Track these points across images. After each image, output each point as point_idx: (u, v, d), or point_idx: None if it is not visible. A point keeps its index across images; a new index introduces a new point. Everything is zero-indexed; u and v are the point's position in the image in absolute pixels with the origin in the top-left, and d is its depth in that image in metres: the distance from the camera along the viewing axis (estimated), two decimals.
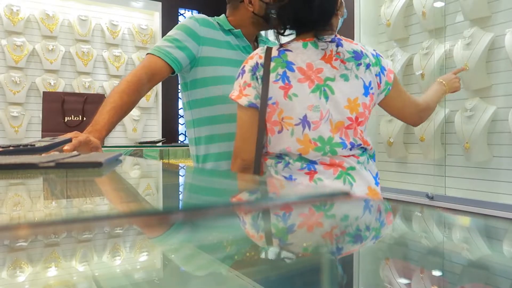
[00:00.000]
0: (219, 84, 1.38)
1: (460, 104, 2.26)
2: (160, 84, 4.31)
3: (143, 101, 4.31)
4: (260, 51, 1.20)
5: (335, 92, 1.14)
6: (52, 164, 0.58)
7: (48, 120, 2.88)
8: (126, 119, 4.17)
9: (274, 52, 1.17)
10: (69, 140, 0.97)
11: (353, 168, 1.15)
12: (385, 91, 1.23)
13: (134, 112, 4.26)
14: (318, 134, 1.13)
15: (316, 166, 1.14)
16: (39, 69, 3.91)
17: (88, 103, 2.98)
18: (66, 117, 2.93)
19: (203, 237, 0.35)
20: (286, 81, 1.14)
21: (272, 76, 1.15)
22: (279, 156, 1.17)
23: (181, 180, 0.70)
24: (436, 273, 0.33)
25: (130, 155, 3.11)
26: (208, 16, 1.45)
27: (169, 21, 4.30)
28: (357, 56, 1.17)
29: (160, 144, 3.72)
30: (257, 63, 1.18)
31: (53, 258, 0.34)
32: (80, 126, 2.82)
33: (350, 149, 1.16)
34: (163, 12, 4.40)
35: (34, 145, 0.82)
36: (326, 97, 1.13)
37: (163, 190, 0.56)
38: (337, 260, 0.35)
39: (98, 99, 2.88)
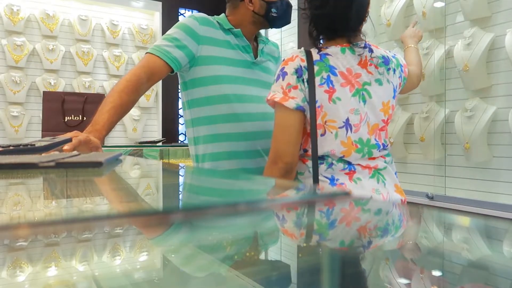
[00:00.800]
0: (219, 84, 1.37)
1: (460, 104, 2.25)
2: (160, 84, 4.31)
3: (143, 101, 4.31)
4: (300, 54, 1.21)
5: (372, 96, 1.21)
6: (52, 163, 0.58)
7: (48, 120, 2.88)
8: (126, 119, 4.17)
9: (316, 56, 1.20)
10: (69, 140, 0.97)
11: (384, 168, 1.23)
12: (402, 85, 1.33)
13: (134, 112, 4.26)
14: (358, 136, 1.19)
15: (355, 166, 1.19)
16: (39, 69, 3.91)
17: (88, 103, 2.98)
18: (66, 117, 2.93)
19: (203, 237, 0.35)
20: (331, 85, 1.18)
21: (317, 80, 1.17)
22: (321, 157, 1.20)
23: (181, 180, 0.70)
24: (436, 273, 0.33)
25: (130, 154, 3.11)
26: (208, 15, 1.45)
27: (169, 21, 4.30)
28: (386, 61, 1.25)
29: (160, 144, 3.72)
30: (300, 66, 1.18)
31: (53, 258, 0.34)
32: (80, 126, 2.82)
33: (381, 150, 1.23)
34: (163, 12, 4.40)
35: (34, 144, 0.82)
36: (364, 101, 1.20)
37: (163, 190, 0.56)
38: (339, 260, 0.35)
39: (98, 99, 2.87)
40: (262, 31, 1.56)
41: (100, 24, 4.18)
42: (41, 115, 3.12)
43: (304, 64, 1.18)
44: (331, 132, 1.18)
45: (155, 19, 4.44)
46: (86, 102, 2.99)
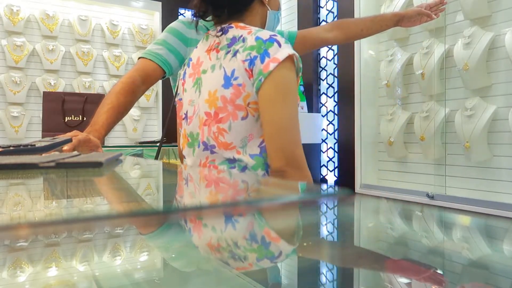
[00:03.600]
0: None
1: (460, 104, 2.25)
2: (160, 84, 4.31)
3: (143, 101, 4.31)
4: None
5: (203, 85, 1.04)
6: (52, 164, 0.58)
7: (48, 120, 2.88)
8: (127, 119, 4.17)
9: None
10: (69, 140, 0.97)
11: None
12: (256, 82, 0.95)
13: (134, 112, 4.26)
14: (190, 129, 1.08)
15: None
16: (39, 69, 3.91)
17: (88, 103, 2.98)
18: (66, 117, 2.93)
19: (202, 237, 0.35)
20: (184, 78, 1.15)
21: (181, 74, 1.18)
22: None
23: (181, 180, 0.70)
24: (436, 272, 0.33)
25: (134, 155, 3.11)
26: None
27: (169, 21, 4.28)
28: (231, 42, 1.00)
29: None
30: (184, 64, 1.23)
31: (53, 258, 0.34)
32: (80, 126, 2.82)
33: (205, 150, 1.02)
34: (163, 12, 4.40)
35: (34, 145, 0.82)
36: (199, 91, 1.05)
37: (163, 190, 0.56)
38: (336, 260, 0.35)
39: (98, 99, 2.87)
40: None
41: (100, 24, 4.18)
42: (41, 116, 3.12)
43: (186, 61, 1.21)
44: (181, 125, 1.16)
45: (155, 19, 4.44)
46: (86, 102, 2.99)
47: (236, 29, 1.03)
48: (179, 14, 4.62)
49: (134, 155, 3.06)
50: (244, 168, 0.98)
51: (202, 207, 0.36)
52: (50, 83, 3.88)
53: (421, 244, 0.39)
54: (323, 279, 0.32)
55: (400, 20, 1.65)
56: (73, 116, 2.95)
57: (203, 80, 1.04)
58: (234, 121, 0.97)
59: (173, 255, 0.37)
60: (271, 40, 0.95)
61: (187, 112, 1.11)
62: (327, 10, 3.50)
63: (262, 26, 1.14)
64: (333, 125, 3.40)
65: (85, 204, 0.38)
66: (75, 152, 0.89)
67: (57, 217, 0.32)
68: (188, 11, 4.70)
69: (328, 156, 3.45)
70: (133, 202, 0.41)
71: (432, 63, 2.36)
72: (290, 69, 0.96)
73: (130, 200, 0.42)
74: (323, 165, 3.49)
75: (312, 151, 3.43)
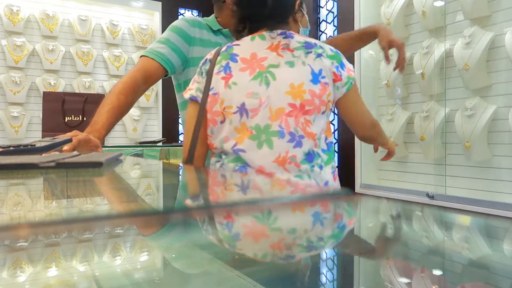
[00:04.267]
0: None
1: (461, 103, 2.25)
2: (160, 84, 4.32)
3: (143, 101, 4.31)
4: (216, 49, 1.21)
5: (276, 78, 1.09)
6: (52, 164, 0.58)
7: (48, 120, 2.88)
8: (127, 119, 4.18)
9: (223, 48, 1.18)
10: (69, 140, 0.97)
11: (298, 176, 1.07)
12: (347, 86, 1.14)
13: (134, 112, 4.26)
14: (255, 122, 1.08)
15: (248, 169, 1.08)
16: (39, 69, 3.91)
17: (88, 103, 2.98)
18: (66, 117, 2.93)
19: (202, 237, 0.35)
20: (228, 72, 1.13)
21: (216, 68, 1.15)
22: (219, 155, 1.14)
23: (181, 180, 0.70)
24: (436, 272, 0.33)
25: (135, 155, 3.11)
26: (199, 17, 1.48)
27: (169, 21, 4.28)
28: (308, 45, 1.13)
29: (160, 144, 3.72)
30: (206, 59, 1.19)
31: (53, 258, 0.34)
32: (80, 126, 2.82)
33: (290, 141, 1.07)
34: (163, 12, 4.40)
35: (34, 145, 0.82)
36: (267, 83, 1.09)
37: (163, 190, 0.56)
38: (337, 260, 0.35)
39: (98, 99, 2.87)
40: None
41: (100, 24, 4.18)
42: (41, 116, 3.12)
43: (211, 57, 1.18)
44: (228, 118, 1.11)
45: (155, 19, 4.44)
46: (86, 102, 2.99)
47: (300, 37, 1.16)
48: (179, 14, 4.62)
49: (135, 155, 3.06)
50: (321, 167, 1.10)
51: (201, 207, 0.36)
52: (50, 83, 3.88)
53: (421, 244, 0.39)
54: (323, 279, 0.32)
55: (377, 31, 1.62)
56: (73, 116, 2.95)
57: (277, 74, 1.10)
58: (318, 115, 1.10)
59: (173, 255, 0.37)
60: (339, 53, 1.17)
61: (242, 105, 1.09)
62: (327, 10, 3.50)
63: None
64: (333, 125, 3.40)
65: (85, 204, 0.38)
66: (75, 152, 0.89)
67: (57, 217, 0.32)
68: (188, 10, 4.70)
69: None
70: (133, 202, 0.41)
71: (432, 63, 2.36)
72: None
73: (130, 200, 0.42)
74: None
75: None
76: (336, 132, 3.36)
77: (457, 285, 0.30)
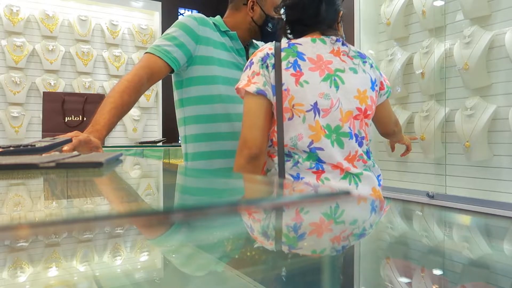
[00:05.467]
0: (213, 84, 1.39)
1: (461, 103, 2.25)
2: (160, 84, 4.32)
3: (143, 101, 4.31)
4: (269, 45, 1.20)
5: (345, 82, 1.16)
6: (52, 164, 0.58)
7: (48, 120, 2.88)
8: (127, 119, 4.17)
9: (284, 45, 1.18)
10: (70, 140, 0.97)
11: (359, 173, 1.15)
12: (387, 94, 1.29)
13: (134, 112, 4.26)
14: (327, 121, 1.13)
15: (324, 165, 1.13)
16: (39, 69, 3.91)
17: (88, 103, 2.98)
18: (66, 117, 2.93)
19: (203, 237, 0.35)
20: (298, 69, 1.14)
21: (284, 64, 1.14)
22: (288, 154, 1.14)
23: (181, 180, 0.70)
24: (437, 272, 0.33)
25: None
26: (206, 16, 1.46)
27: (169, 21, 4.29)
28: (361, 55, 1.22)
29: (160, 144, 3.72)
30: (267, 54, 1.17)
31: (53, 258, 0.34)
32: (80, 126, 2.82)
33: (356, 141, 1.17)
34: (163, 12, 4.40)
35: (34, 145, 0.82)
36: (337, 86, 1.15)
37: (163, 190, 0.56)
38: (338, 260, 0.35)
39: (98, 99, 2.87)
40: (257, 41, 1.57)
41: (100, 25, 4.18)
42: (41, 116, 3.12)
43: (272, 51, 1.17)
44: (299, 116, 1.12)
45: (155, 19, 4.44)
46: (86, 103, 2.98)
47: (350, 46, 1.23)
48: (179, 14, 4.62)
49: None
50: (374, 162, 1.24)
51: (200, 207, 0.36)
52: (50, 83, 3.88)
53: (422, 243, 0.39)
54: (323, 279, 0.32)
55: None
56: (73, 116, 2.95)
57: (345, 79, 1.16)
58: (370, 119, 1.23)
59: (174, 255, 0.37)
60: (372, 64, 1.26)
61: (315, 104, 1.12)
62: None
63: None
64: None
65: (85, 204, 0.38)
66: (75, 152, 0.89)
67: (57, 218, 0.32)
68: (188, 10, 4.70)
69: None
70: (133, 202, 0.41)
71: (432, 62, 2.36)
72: None
73: (130, 200, 0.42)
74: None
75: None
76: None
77: (457, 285, 0.30)
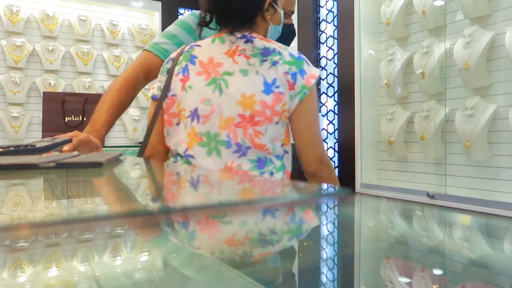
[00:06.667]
0: None
1: (461, 103, 2.25)
2: None
3: (143, 101, 4.31)
4: (179, 49, 1.21)
5: (229, 87, 1.07)
6: (52, 164, 0.58)
7: (48, 120, 2.88)
8: (127, 119, 4.18)
9: (187, 47, 1.17)
10: (69, 140, 0.97)
11: None
12: (300, 95, 1.08)
13: (134, 112, 4.26)
14: (206, 129, 1.08)
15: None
16: (39, 69, 3.91)
17: (88, 103, 2.98)
18: (66, 117, 2.93)
19: (202, 237, 0.35)
20: (186, 74, 1.13)
21: (176, 69, 1.15)
22: (175, 156, 1.15)
23: (181, 180, 0.70)
24: (437, 271, 0.33)
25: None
26: None
27: (169, 21, 4.28)
28: (266, 52, 1.09)
29: None
30: (170, 58, 1.18)
31: (53, 258, 0.34)
32: (80, 126, 2.82)
33: (237, 151, 1.06)
34: (163, 12, 4.40)
35: (34, 145, 0.82)
36: (221, 91, 1.08)
37: (163, 190, 0.56)
38: (336, 259, 0.35)
39: (98, 99, 2.86)
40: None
41: (100, 25, 4.18)
42: (41, 116, 3.12)
43: (175, 56, 1.17)
44: (183, 122, 1.11)
45: (155, 19, 4.44)
46: (86, 103, 2.98)
47: (261, 41, 1.12)
48: (178, 14, 4.62)
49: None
50: (271, 173, 1.08)
51: (200, 206, 0.36)
52: (50, 83, 3.88)
53: (422, 243, 0.38)
54: (323, 278, 0.32)
55: None
56: (73, 116, 2.95)
57: (230, 82, 1.08)
58: (270, 125, 1.07)
59: (173, 255, 0.37)
60: (301, 58, 1.11)
61: (195, 110, 1.10)
62: (327, 9, 3.50)
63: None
64: (333, 124, 3.40)
65: (85, 204, 0.38)
66: (75, 152, 0.89)
67: (58, 218, 0.32)
68: (188, 10, 4.70)
69: (328, 156, 3.44)
70: (133, 202, 0.41)
71: (432, 62, 2.36)
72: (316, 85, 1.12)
73: (130, 200, 0.42)
74: None
75: None
76: (336, 132, 3.36)
77: (458, 285, 0.30)
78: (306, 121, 1.10)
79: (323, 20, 3.53)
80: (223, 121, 1.07)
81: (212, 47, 1.14)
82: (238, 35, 1.12)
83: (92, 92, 4.00)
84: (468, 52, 2.14)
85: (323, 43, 3.51)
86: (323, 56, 3.51)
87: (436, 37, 2.39)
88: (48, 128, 2.84)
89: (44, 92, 3.02)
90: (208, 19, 1.16)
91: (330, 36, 3.43)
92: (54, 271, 0.33)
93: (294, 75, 1.07)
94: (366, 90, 2.81)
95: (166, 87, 1.14)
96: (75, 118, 2.95)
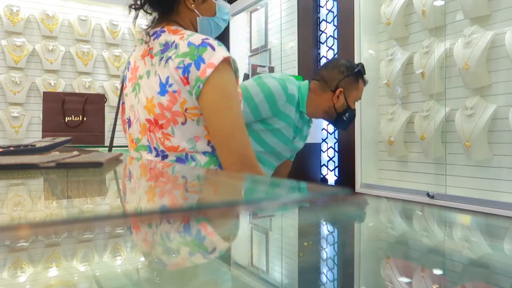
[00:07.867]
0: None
1: (461, 103, 2.25)
2: None
3: None
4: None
5: (140, 91, 1.03)
6: (52, 164, 0.58)
7: (48, 120, 2.87)
8: None
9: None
10: (70, 141, 0.97)
11: None
12: (195, 89, 0.94)
13: None
14: (134, 135, 1.08)
15: None
16: (39, 69, 3.91)
17: (89, 103, 2.97)
18: (66, 117, 2.92)
19: (202, 237, 0.35)
20: (125, 83, 1.14)
21: (125, 78, 1.17)
22: None
23: (181, 180, 0.70)
24: (437, 271, 0.33)
25: None
26: (295, 84, 1.58)
27: None
28: (164, 49, 0.99)
29: None
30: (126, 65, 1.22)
31: (53, 258, 0.34)
32: (80, 126, 2.82)
33: (157, 155, 1.01)
34: None
35: (34, 145, 0.82)
36: (137, 97, 1.04)
37: (163, 190, 0.56)
38: (337, 259, 0.35)
39: (99, 99, 2.87)
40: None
41: (100, 24, 4.18)
42: (41, 116, 3.12)
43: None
44: (126, 129, 1.15)
45: None
46: (86, 103, 2.98)
47: (168, 34, 1.02)
48: None
49: None
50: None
51: (202, 206, 0.36)
52: (50, 83, 3.88)
53: (422, 243, 0.38)
54: (323, 278, 0.32)
55: None
56: (73, 116, 2.94)
57: (141, 86, 1.03)
58: (176, 126, 0.97)
59: (173, 255, 0.37)
60: (204, 44, 0.95)
61: (129, 117, 1.11)
62: (327, 9, 3.49)
63: (196, 32, 1.10)
64: None
65: (85, 204, 0.38)
66: (75, 152, 0.89)
67: (58, 218, 0.32)
68: None
69: (328, 156, 3.45)
70: (133, 202, 0.41)
71: (432, 62, 2.36)
72: (227, 72, 0.96)
73: (130, 200, 0.42)
74: (324, 164, 3.48)
75: (312, 151, 3.43)
76: (336, 132, 3.36)
77: (458, 285, 0.30)
78: (211, 117, 0.95)
79: (323, 20, 3.53)
80: (141, 126, 1.04)
81: (137, 50, 1.13)
82: (151, 32, 1.06)
83: (92, 92, 4.00)
84: (468, 52, 2.14)
85: (323, 43, 3.51)
86: (323, 56, 3.51)
87: (436, 37, 2.39)
88: (48, 128, 2.84)
89: (44, 92, 3.02)
90: (140, 2, 1.13)
91: (330, 36, 3.43)
92: (54, 271, 0.33)
93: (186, 69, 0.94)
94: (366, 90, 2.80)
95: (120, 96, 1.18)
96: (75, 118, 2.95)
